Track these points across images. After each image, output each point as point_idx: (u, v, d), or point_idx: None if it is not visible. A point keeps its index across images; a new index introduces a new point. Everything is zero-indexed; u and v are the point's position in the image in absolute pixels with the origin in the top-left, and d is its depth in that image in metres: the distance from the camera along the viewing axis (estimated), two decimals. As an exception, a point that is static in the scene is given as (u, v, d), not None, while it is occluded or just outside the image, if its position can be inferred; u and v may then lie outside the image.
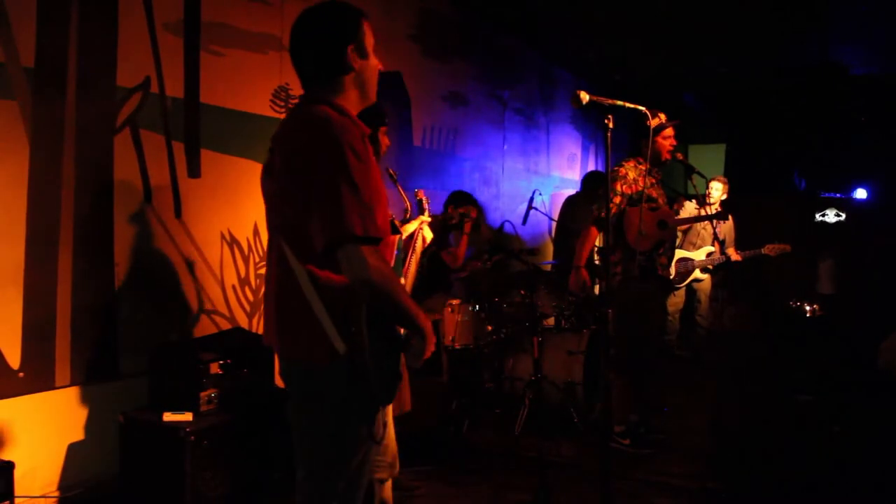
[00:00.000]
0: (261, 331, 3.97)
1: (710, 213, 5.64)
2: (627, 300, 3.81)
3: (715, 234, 5.20)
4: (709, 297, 6.47)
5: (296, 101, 4.10)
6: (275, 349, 1.88)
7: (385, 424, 1.88)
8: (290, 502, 3.19)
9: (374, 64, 1.91)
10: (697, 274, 6.05)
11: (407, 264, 2.08)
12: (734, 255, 5.58)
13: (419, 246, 2.22)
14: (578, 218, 5.80)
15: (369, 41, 1.89)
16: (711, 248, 5.96)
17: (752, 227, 6.54)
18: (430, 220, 2.37)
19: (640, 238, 3.76)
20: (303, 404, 1.85)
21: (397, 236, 2.06)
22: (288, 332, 1.80)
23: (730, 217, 5.95)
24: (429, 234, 2.32)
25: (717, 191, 6.00)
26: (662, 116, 3.88)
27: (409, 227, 2.29)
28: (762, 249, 5.21)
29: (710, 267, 6.02)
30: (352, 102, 1.88)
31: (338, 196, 1.61)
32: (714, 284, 6.67)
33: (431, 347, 1.84)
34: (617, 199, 3.80)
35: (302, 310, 1.71)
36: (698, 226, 6.02)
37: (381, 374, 1.72)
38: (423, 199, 2.46)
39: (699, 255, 5.92)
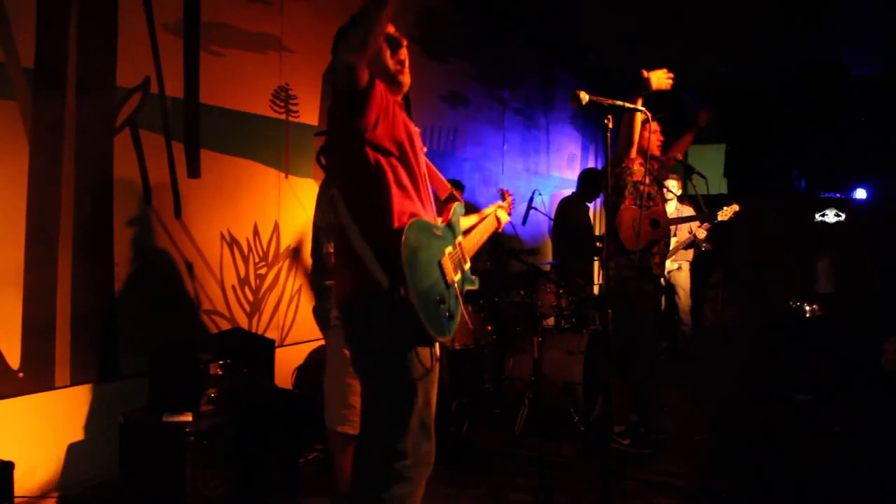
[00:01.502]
0: (260, 330, 3.98)
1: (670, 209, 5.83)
2: (624, 299, 3.81)
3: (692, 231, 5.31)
4: (688, 294, 6.48)
5: (295, 101, 4.10)
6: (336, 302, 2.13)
7: (435, 357, 2.02)
8: (289, 502, 3.20)
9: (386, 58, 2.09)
10: (669, 264, 6.12)
11: (472, 234, 2.32)
12: (700, 233, 5.65)
13: (490, 222, 2.51)
14: (576, 217, 5.80)
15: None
16: (674, 237, 6.04)
17: (752, 226, 6.55)
18: (507, 207, 2.60)
19: (633, 237, 3.76)
20: (358, 343, 2.02)
21: (455, 203, 2.28)
22: (339, 275, 2.04)
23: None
24: (504, 217, 2.55)
25: (674, 188, 6.09)
26: (647, 113, 3.89)
27: (487, 210, 2.57)
28: (716, 218, 5.26)
29: (683, 249, 6.10)
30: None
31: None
32: (713, 285, 6.67)
33: None
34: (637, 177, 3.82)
35: (350, 253, 1.93)
36: None
37: (428, 307, 1.87)
38: (505, 191, 2.74)
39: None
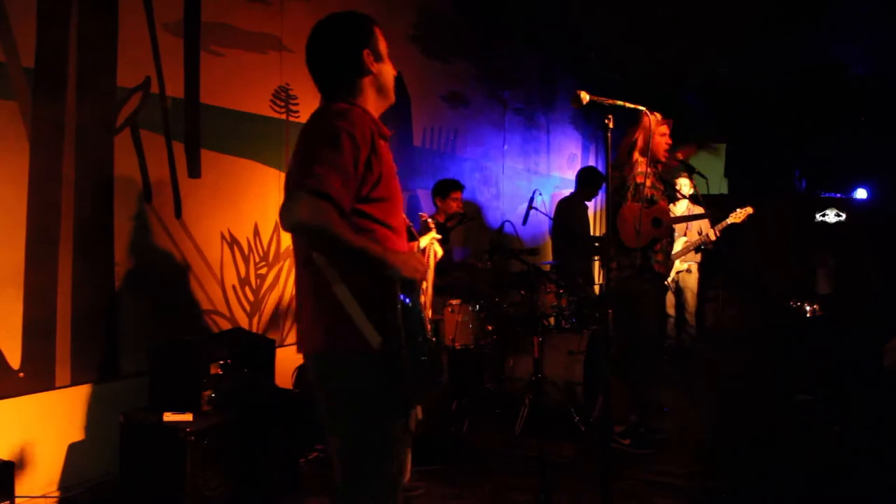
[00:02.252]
0: (261, 330, 3.98)
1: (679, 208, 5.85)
2: (625, 298, 3.81)
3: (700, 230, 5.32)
4: (696, 295, 6.48)
5: (296, 101, 4.10)
6: (301, 348, 1.84)
7: (418, 419, 1.83)
8: (290, 502, 3.20)
9: (390, 68, 1.96)
10: (678, 265, 6.11)
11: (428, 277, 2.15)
12: (712, 234, 5.63)
13: (432, 262, 2.29)
14: (575, 217, 5.80)
15: (383, 46, 1.95)
16: (684, 238, 6.02)
17: (752, 226, 6.55)
18: (440, 237, 2.45)
19: (633, 236, 3.76)
20: (334, 403, 1.79)
21: (415, 243, 2.11)
22: (315, 326, 1.77)
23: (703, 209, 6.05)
24: (439, 250, 2.40)
25: (686, 187, 6.07)
26: (658, 115, 3.89)
27: (422, 242, 2.37)
28: (728, 220, 5.24)
29: (693, 251, 6.08)
30: (371, 103, 1.91)
31: (312, 156, 1.65)
32: (713, 285, 6.67)
33: (418, 271, 1.74)
34: (639, 179, 3.81)
35: (330, 303, 1.69)
36: None
37: (417, 370, 1.70)
38: (429, 220, 2.57)
39: (677, 247, 5.97)
